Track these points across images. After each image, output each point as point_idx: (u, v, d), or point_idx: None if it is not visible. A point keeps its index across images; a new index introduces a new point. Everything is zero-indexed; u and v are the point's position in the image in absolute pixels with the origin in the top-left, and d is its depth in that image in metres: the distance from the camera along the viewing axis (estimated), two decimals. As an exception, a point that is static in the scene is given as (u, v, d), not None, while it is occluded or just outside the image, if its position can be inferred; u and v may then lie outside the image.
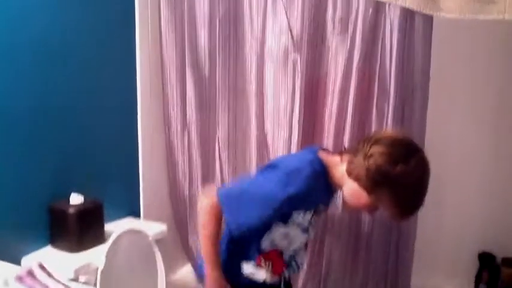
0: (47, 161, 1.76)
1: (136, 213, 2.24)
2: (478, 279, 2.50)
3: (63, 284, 1.29)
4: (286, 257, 1.50)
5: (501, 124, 2.41)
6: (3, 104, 1.59)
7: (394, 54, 1.90)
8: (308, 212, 1.42)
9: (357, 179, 1.29)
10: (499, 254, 2.46)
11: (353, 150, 1.33)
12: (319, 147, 1.48)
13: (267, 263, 1.47)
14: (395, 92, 1.92)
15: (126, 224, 2.03)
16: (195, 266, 2.27)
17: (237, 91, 2.22)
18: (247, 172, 2.22)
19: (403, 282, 2.08)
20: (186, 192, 2.37)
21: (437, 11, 1.82)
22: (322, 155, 1.40)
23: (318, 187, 1.34)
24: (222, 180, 2.28)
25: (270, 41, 2.09)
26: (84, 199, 1.78)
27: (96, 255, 1.70)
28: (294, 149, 2.07)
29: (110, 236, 1.75)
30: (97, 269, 1.66)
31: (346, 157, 1.35)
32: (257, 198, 1.32)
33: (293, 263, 1.55)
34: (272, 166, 1.38)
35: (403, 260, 2.07)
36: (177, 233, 2.46)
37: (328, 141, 2.05)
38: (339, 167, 1.36)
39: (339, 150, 1.47)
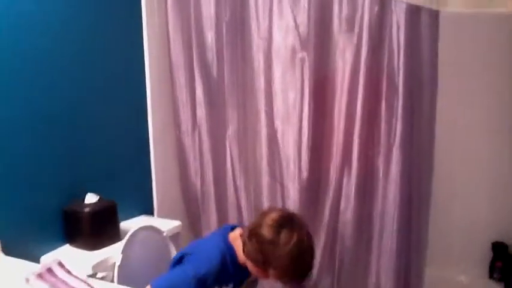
0: (61, 163, 1.81)
1: (150, 211, 2.29)
2: (492, 268, 2.51)
3: (81, 280, 1.33)
4: None
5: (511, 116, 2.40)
6: (17, 109, 1.63)
7: (402, 49, 1.92)
8: (224, 286, 1.47)
9: (248, 259, 1.40)
10: (512, 243, 2.46)
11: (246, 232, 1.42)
12: (230, 228, 1.54)
13: None
14: (404, 86, 1.94)
15: (140, 221, 2.08)
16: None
17: (245, 89, 2.25)
18: (257, 168, 2.25)
19: (417, 273, 2.10)
20: (198, 190, 2.41)
21: (443, 6, 1.83)
22: (232, 238, 1.48)
23: (229, 269, 1.43)
24: (234, 177, 2.31)
25: (277, 40, 2.11)
26: (99, 199, 1.82)
27: (112, 252, 1.75)
28: (304, 145, 2.10)
29: (125, 233, 1.80)
30: (114, 264, 1.71)
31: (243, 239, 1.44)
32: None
33: None
34: (187, 259, 1.43)
35: (416, 251, 2.08)
36: (190, 229, 2.50)
37: (338, 137, 2.08)
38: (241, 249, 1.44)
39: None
